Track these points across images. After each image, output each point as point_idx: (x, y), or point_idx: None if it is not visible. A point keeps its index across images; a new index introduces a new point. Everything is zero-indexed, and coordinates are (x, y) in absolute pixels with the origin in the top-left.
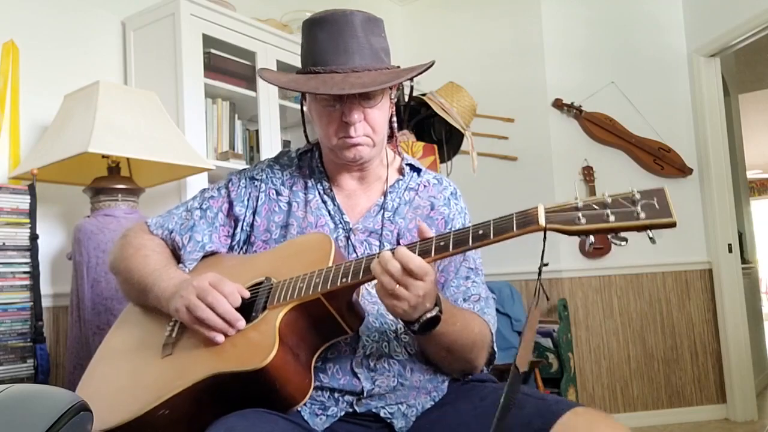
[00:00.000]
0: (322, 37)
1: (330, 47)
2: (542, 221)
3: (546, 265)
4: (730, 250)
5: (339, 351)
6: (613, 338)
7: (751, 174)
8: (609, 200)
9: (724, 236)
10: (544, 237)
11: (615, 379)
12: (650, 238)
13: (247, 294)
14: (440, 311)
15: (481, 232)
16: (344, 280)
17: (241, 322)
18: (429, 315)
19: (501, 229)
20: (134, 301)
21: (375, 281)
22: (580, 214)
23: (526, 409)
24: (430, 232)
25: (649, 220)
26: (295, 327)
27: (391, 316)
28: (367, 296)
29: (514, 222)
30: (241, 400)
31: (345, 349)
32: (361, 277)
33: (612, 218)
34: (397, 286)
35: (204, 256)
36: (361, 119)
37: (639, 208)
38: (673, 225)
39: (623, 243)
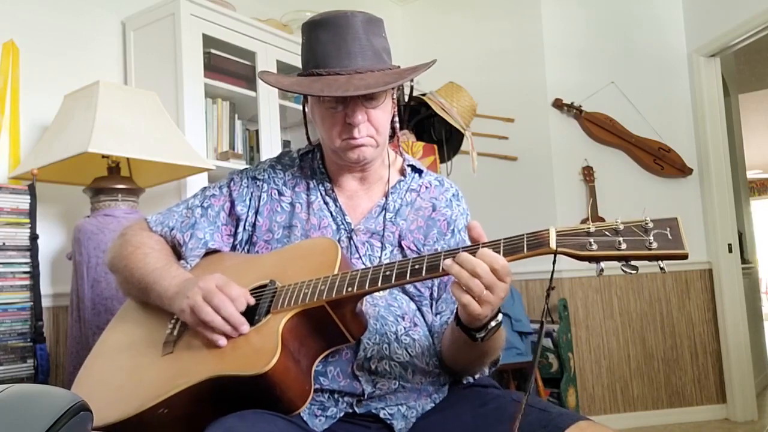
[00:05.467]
0: (324, 40)
1: (332, 49)
2: (553, 244)
3: (553, 288)
4: (730, 250)
5: (340, 354)
6: (613, 338)
7: (751, 174)
8: (621, 227)
9: (724, 236)
10: (554, 260)
11: (615, 379)
12: (661, 269)
13: (253, 301)
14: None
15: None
16: (350, 289)
17: (245, 326)
18: (500, 318)
19: (511, 250)
20: (134, 299)
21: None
22: (591, 240)
23: (528, 419)
24: (483, 236)
25: (661, 251)
26: (298, 333)
27: (391, 318)
28: (368, 298)
29: (525, 244)
30: (241, 402)
31: (346, 352)
32: (367, 287)
33: (623, 246)
34: (485, 290)
35: (206, 254)
36: (365, 120)
37: (651, 237)
38: (685, 257)
39: (633, 272)
